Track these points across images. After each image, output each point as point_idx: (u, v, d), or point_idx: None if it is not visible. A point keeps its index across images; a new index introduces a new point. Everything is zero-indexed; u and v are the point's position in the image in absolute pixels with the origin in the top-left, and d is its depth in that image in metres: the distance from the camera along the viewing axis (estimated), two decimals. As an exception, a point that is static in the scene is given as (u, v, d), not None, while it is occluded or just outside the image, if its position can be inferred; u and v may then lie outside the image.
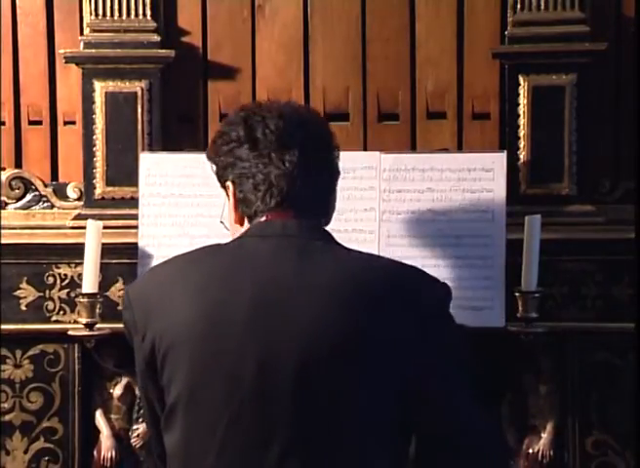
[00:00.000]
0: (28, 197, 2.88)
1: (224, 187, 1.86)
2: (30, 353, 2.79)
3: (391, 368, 1.65)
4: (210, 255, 1.79)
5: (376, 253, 2.53)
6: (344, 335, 1.64)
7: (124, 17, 2.81)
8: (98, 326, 2.59)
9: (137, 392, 2.71)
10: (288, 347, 1.63)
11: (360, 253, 1.79)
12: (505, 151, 2.65)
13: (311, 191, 1.80)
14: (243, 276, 1.70)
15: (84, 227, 2.62)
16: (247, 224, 1.82)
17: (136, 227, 2.67)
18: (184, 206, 2.65)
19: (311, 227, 1.78)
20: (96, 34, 2.82)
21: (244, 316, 1.66)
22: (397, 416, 1.67)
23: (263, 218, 1.79)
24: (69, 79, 2.93)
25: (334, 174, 1.87)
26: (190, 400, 1.67)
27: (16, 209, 2.88)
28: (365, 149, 2.86)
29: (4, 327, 2.75)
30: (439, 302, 1.73)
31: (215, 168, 1.88)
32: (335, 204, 1.90)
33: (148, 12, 2.81)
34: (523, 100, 2.74)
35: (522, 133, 2.75)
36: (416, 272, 1.78)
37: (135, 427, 2.77)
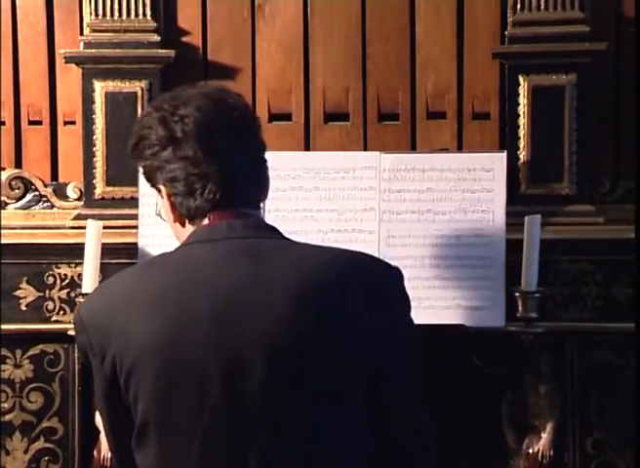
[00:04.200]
0: (28, 197, 2.88)
1: (156, 189, 1.81)
2: (30, 353, 2.79)
3: (358, 360, 1.64)
4: (160, 268, 1.74)
5: (376, 252, 2.53)
6: (308, 333, 1.62)
7: (124, 17, 2.81)
8: (98, 326, 2.59)
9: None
10: (252, 352, 1.61)
11: (310, 245, 1.76)
12: (505, 151, 2.65)
13: (246, 179, 1.75)
14: (197, 286, 1.66)
15: (84, 227, 2.61)
16: (188, 224, 1.78)
17: (136, 227, 2.67)
18: (184, 206, 2.64)
19: (257, 225, 1.75)
20: (96, 34, 2.82)
21: (204, 326, 1.62)
22: (369, 411, 1.67)
23: (206, 221, 1.74)
24: (69, 79, 2.93)
25: (262, 151, 1.80)
26: (161, 417, 1.64)
27: (16, 209, 2.88)
28: (365, 149, 2.86)
29: (4, 327, 2.75)
30: (395, 286, 1.71)
31: (141, 170, 1.84)
32: (268, 178, 1.82)
33: (148, 12, 2.81)
34: (523, 100, 2.74)
35: (522, 133, 2.75)
36: (368, 259, 1.76)
37: (135, 427, 2.77)
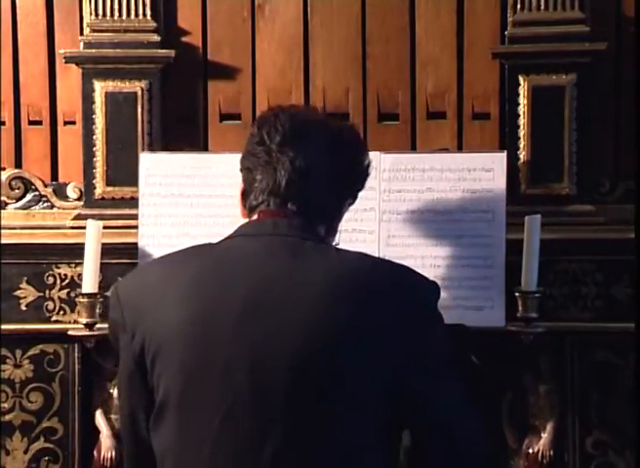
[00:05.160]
0: (28, 197, 2.88)
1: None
2: (30, 353, 2.79)
3: (381, 365, 1.66)
4: (200, 255, 1.79)
5: (376, 252, 2.53)
6: (335, 334, 1.65)
7: (124, 17, 2.81)
8: (98, 326, 2.59)
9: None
10: (279, 346, 1.64)
11: (350, 252, 1.79)
12: (505, 151, 2.65)
13: (307, 194, 1.81)
14: (234, 276, 1.70)
15: (84, 227, 2.62)
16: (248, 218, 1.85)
17: (136, 227, 2.67)
18: (184, 206, 2.65)
19: (302, 227, 1.79)
20: (96, 34, 2.82)
21: (235, 315, 1.66)
22: (388, 412, 1.68)
23: (255, 216, 1.81)
24: (69, 79, 2.93)
25: (344, 186, 1.88)
26: (182, 399, 1.68)
27: (16, 209, 2.88)
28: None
29: (4, 327, 2.75)
30: (427, 301, 1.74)
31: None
32: (340, 218, 1.91)
33: (148, 12, 2.81)
34: (523, 100, 2.74)
35: (522, 133, 2.75)
36: (405, 271, 1.79)
37: (135, 427, 2.76)
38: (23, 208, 2.88)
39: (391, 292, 1.70)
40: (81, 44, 2.83)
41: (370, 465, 1.69)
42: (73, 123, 2.94)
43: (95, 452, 2.76)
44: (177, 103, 2.88)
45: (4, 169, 2.91)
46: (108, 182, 2.81)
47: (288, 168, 1.79)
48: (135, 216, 2.68)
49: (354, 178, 1.90)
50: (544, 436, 2.70)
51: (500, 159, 2.61)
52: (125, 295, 1.78)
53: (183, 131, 2.89)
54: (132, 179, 2.74)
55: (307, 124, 1.85)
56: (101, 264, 2.59)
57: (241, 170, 1.88)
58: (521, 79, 2.74)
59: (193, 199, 2.63)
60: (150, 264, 1.89)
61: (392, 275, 1.75)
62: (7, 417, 2.80)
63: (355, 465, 1.68)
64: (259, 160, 1.82)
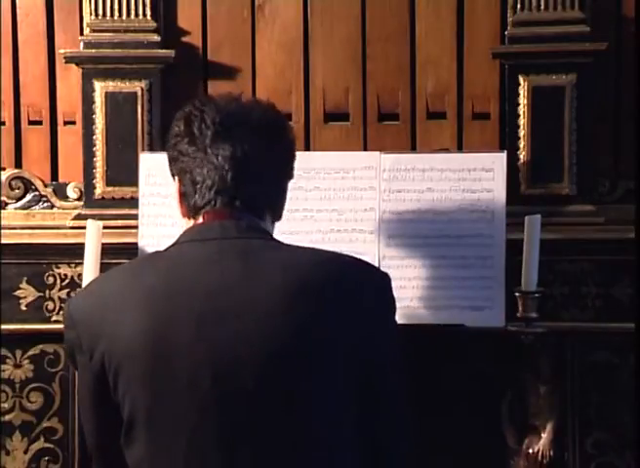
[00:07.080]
0: (28, 197, 2.88)
1: (174, 180, 1.86)
2: (30, 353, 2.79)
3: (344, 362, 1.65)
4: (150, 267, 1.76)
5: (376, 252, 2.53)
6: (295, 335, 1.63)
7: (124, 17, 2.81)
8: (98, 326, 2.59)
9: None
10: (239, 351, 1.62)
11: (300, 247, 1.78)
12: (505, 151, 2.65)
13: (249, 187, 1.77)
14: (187, 286, 1.67)
15: (84, 227, 2.61)
16: (191, 220, 1.81)
17: (136, 227, 2.67)
18: (184, 206, 2.64)
19: (249, 227, 1.76)
20: (96, 34, 2.82)
21: (192, 326, 1.64)
22: (357, 411, 1.68)
23: (200, 220, 1.77)
24: (69, 79, 2.93)
25: (281, 167, 1.85)
26: (149, 415, 1.66)
27: (16, 209, 2.88)
28: (365, 149, 2.86)
29: (4, 327, 2.75)
30: (381, 292, 1.74)
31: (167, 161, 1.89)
32: (284, 200, 1.87)
33: (148, 12, 2.81)
34: (523, 100, 2.74)
35: (522, 133, 2.75)
36: (356, 263, 1.78)
37: (135, 427, 2.76)
38: (23, 208, 2.88)
39: (342, 286, 1.69)
40: (81, 44, 2.83)
41: (347, 465, 1.69)
42: (73, 123, 2.94)
43: (95, 452, 2.76)
44: (177, 103, 2.86)
45: (4, 169, 2.91)
46: (108, 182, 2.81)
47: (227, 163, 1.75)
48: (135, 216, 2.68)
49: (289, 156, 1.87)
50: (544, 436, 2.70)
51: (500, 159, 2.61)
52: (78, 314, 1.74)
53: (183, 131, 2.89)
54: (132, 179, 2.74)
55: (234, 114, 1.81)
56: (101, 264, 2.59)
57: (174, 173, 1.84)
58: (521, 79, 2.74)
59: (193, 199, 2.63)
60: (101, 280, 1.84)
61: (342, 269, 1.74)
62: (7, 417, 2.80)
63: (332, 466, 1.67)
64: (194, 160, 1.78)
